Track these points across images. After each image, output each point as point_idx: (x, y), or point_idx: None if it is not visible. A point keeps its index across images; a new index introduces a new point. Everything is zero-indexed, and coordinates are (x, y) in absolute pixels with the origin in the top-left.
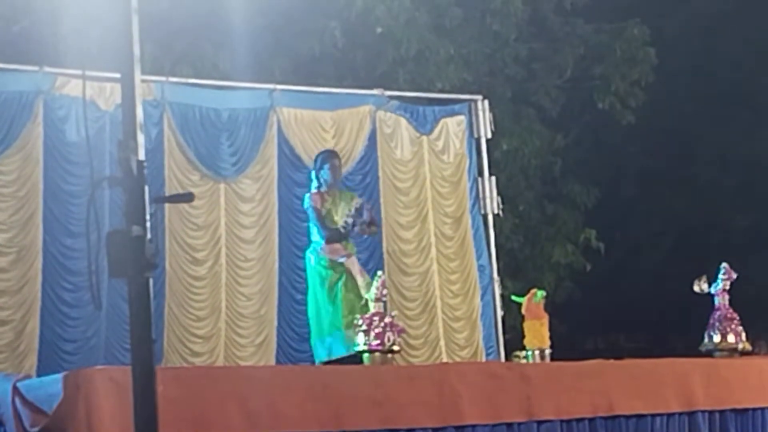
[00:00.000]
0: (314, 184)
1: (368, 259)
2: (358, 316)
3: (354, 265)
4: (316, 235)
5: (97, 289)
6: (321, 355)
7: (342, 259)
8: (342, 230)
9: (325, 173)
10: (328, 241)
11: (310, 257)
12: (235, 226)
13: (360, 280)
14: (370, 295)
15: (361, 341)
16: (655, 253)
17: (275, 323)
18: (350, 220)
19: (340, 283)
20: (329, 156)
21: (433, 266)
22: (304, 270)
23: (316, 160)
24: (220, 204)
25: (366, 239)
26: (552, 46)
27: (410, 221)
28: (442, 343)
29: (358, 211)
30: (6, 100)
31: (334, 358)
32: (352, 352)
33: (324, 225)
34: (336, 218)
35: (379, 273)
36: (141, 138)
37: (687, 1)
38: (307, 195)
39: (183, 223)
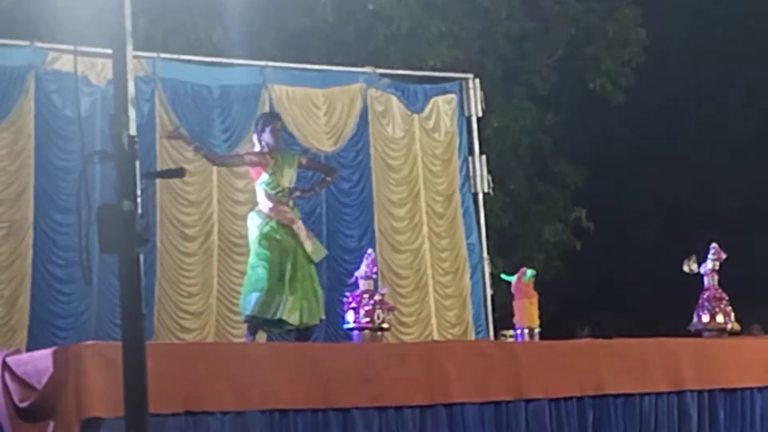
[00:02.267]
0: (256, 147)
1: (361, 236)
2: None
3: (301, 228)
4: (261, 197)
5: (88, 265)
6: (246, 309)
7: (287, 221)
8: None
9: (267, 136)
10: (273, 202)
11: (254, 218)
12: (228, 203)
13: (308, 245)
14: (360, 272)
15: (350, 319)
16: (645, 232)
17: None
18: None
19: (286, 247)
20: (270, 118)
21: (425, 244)
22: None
23: (257, 123)
24: (213, 180)
25: (359, 216)
26: (543, 25)
27: (402, 198)
28: (433, 321)
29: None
30: None
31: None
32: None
33: (269, 186)
34: (282, 181)
35: (369, 251)
36: (132, 113)
37: None
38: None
39: (174, 199)
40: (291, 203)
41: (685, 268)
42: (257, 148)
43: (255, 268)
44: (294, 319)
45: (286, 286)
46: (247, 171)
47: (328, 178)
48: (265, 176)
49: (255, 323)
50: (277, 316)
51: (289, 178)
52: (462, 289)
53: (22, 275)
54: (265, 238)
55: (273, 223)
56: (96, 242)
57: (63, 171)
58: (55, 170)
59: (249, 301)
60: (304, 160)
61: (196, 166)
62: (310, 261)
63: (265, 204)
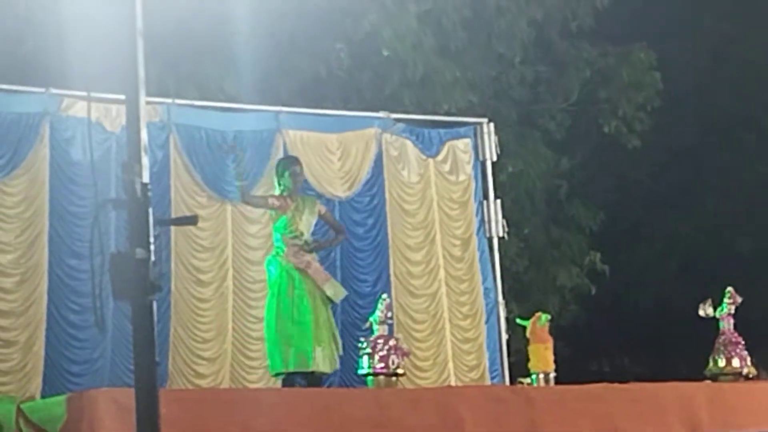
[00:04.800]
0: (276, 191)
1: (376, 281)
2: (324, 330)
3: (319, 273)
4: (278, 241)
5: (101, 312)
6: (278, 365)
7: (303, 265)
8: (306, 245)
9: (287, 180)
10: (289, 246)
11: (272, 262)
12: (242, 248)
13: (327, 288)
14: (374, 317)
15: (365, 364)
16: (661, 276)
17: None
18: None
19: (305, 293)
20: (290, 162)
21: (442, 288)
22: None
23: (277, 167)
24: (227, 225)
25: (374, 261)
26: (557, 69)
27: (418, 243)
28: (450, 365)
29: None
30: (12, 121)
31: (292, 371)
32: (318, 371)
33: (287, 230)
34: (300, 226)
35: (384, 296)
36: (145, 160)
37: (693, 25)
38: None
39: (189, 244)
40: (308, 246)
41: (701, 312)
42: (277, 192)
43: (276, 318)
44: (326, 368)
45: (311, 334)
46: (265, 213)
47: (340, 236)
48: (283, 220)
49: (291, 378)
50: (311, 369)
51: (307, 224)
52: (480, 333)
53: (37, 321)
54: (282, 283)
55: (289, 267)
56: (110, 289)
57: (77, 217)
58: (70, 216)
59: (279, 356)
60: (323, 210)
61: (210, 212)
62: (327, 304)
63: (281, 248)
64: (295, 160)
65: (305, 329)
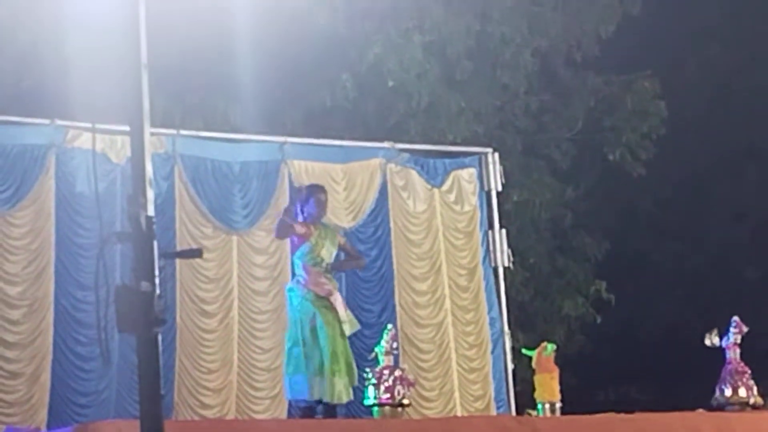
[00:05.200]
0: (299, 218)
1: (381, 311)
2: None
3: (338, 300)
4: (299, 269)
5: (106, 345)
6: (297, 393)
7: (325, 293)
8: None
9: (311, 207)
10: (311, 273)
11: (294, 290)
12: (248, 278)
13: (342, 314)
14: (380, 348)
15: (371, 395)
16: (667, 305)
17: None
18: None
19: (325, 323)
20: (316, 190)
21: (448, 318)
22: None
23: (300, 194)
24: (233, 256)
25: (379, 291)
26: (562, 99)
27: (423, 273)
28: (456, 395)
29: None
30: (18, 153)
31: (311, 400)
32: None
33: (308, 258)
34: (322, 253)
35: (389, 326)
36: (150, 193)
37: (697, 54)
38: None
39: (194, 275)
40: (329, 275)
41: (707, 342)
42: (300, 219)
43: (297, 346)
44: (342, 398)
45: (329, 364)
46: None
47: (361, 261)
48: (305, 247)
49: (310, 407)
50: (327, 399)
51: (329, 252)
52: (485, 363)
53: (43, 353)
54: (303, 311)
55: (311, 296)
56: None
57: (83, 248)
58: (76, 248)
59: (299, 385)
60: (342, 241)
61: (215, 243)
62: (346, 334)
63: (302, 276)
64: (320, 188)
65: (324, 359)
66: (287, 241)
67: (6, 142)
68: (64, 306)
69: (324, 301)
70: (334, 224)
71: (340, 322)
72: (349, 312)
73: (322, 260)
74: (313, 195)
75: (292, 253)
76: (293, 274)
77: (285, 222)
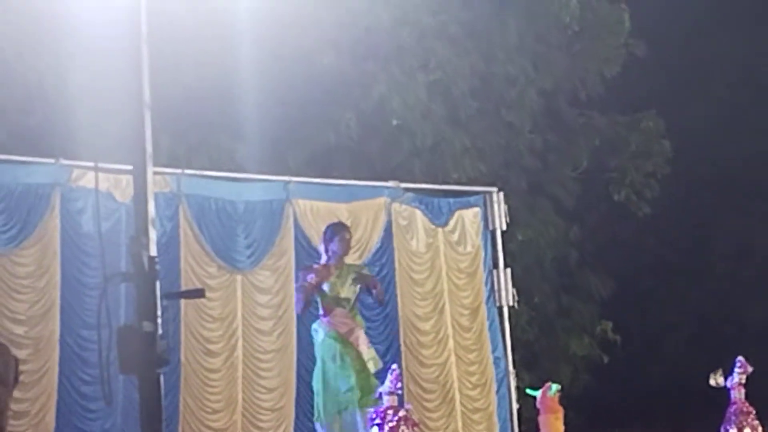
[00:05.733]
0: (323, 257)
1: (386, 351)
2: (369, 399)
3: (361, 338)
4: (320, 307)
5: (109, 385)
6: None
7: (347, 332)
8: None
9: (335, 245)
10: (329, 312)
11: (317, 329)
12: (252, 318)
13: (365, 352)
14: (384, 388)
15: None
16: (672, 345)
17: (293, 416)
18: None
19: (349, 361)
20: (340, 228)
21: (452, 357)
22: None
23: (325, 232)
24: (237, 296)
25: (384, 331)
26: (567, 138)
27: (427, 313)
28: None
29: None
30: (23, 192)
31: None
32: None
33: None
34: (342, 292)
35: (394, 366)
36: (153, 233)
37: (702, 93)
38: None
39: (199, 315)
40: (352, 312)
41: (712, 382)
42: (323, 258)
43: (323, 384)
44: None
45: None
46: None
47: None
48: (326, 286)
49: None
50: None
51: (350, 291)
52: (490, 403)
53: (48, 392)
54: (327, 350)
55: (333, 334)
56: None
57: (89, 287)
58: (81, 287)
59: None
60: (368, 279)
61: (219, 282)
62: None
63: (324, 314)
64: (344, 227)
65: (349, 397)
66: (291, 281)
67: (11, 181)
68: (69, 345)
69: (346, 340)
70: (358, 263)
71: (364, 360)
72: (372, 349)
73: (343, 299)
74: (337, 234)
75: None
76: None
77: (303, 289)
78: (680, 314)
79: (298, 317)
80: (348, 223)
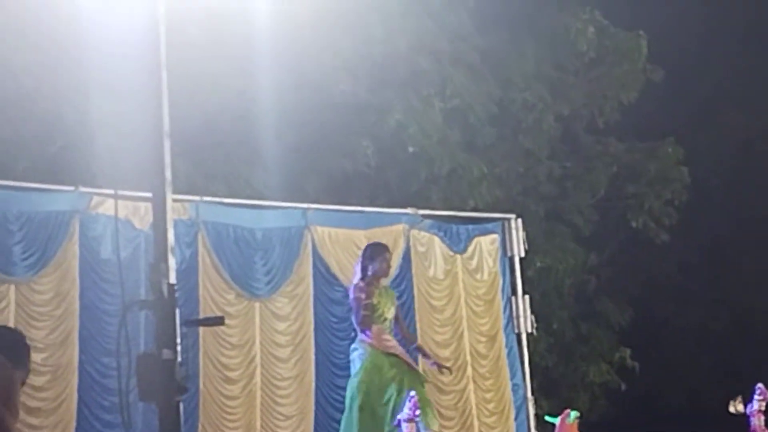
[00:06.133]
0: (357, 275)
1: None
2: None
3: (406, 355)
4: (362, 326)
5: (128, 412)
6: None
7: (391, 349)
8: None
9: (377, 265)
10: (375, 331)
11: (358, 348)
12: (270, 345)
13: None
14: (402, 415)
15: None
16: (691, 372)
17: None
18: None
19: (394, 377)
20: (382, 249)
21: (470, 385)
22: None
23: (366, 252)
24: (255, 323)
25: None
26: (585, 165)
27: (446, 339)
28: None
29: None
30: (43, 219)
31: None
32: None
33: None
34: (386, 312)
35: (412, 393)
36: (172, 261)
37: (720, 119)
38: (353, 286)
39: (217, 342)
40: (391, 334)
41: (731, 409)
42: (357, 276)
43: (363, 399)
44: None
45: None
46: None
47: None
48: (369, 305)
49: None
50: None
51: (390, 311)
52: (508, 430)
53: (67, 420)
54: (368, 370)
55: (377, 353)
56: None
57: (108, 314)
58: (101, 314)
59: None
60: (396, 306)
61: (238, 309)
62: (423, 382)
63: (367, 334)
64: (386, 248)
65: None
66: (310, 308)
67: (30, 208)
68: (89, 372)
69: (391, 358)
70: (344, 292)
71: (411, 372)
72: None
73: (386, 319)
74: (379, 254)
75: (356, 312)
76: (355, 335)
77: (359, 302)
78: (699, 341)
79: (317, 344)
80: None
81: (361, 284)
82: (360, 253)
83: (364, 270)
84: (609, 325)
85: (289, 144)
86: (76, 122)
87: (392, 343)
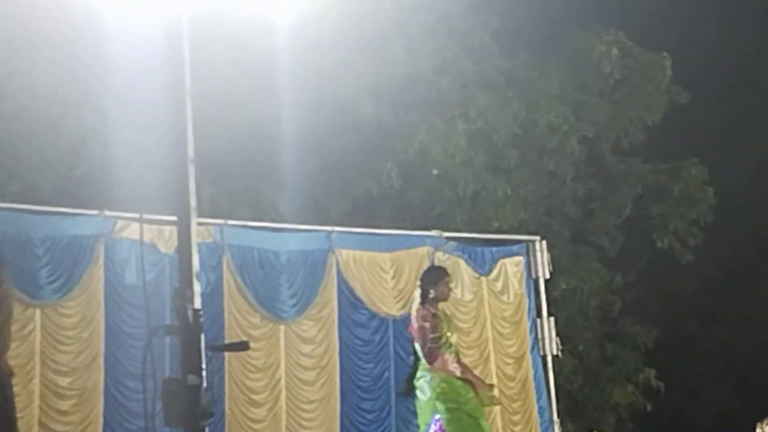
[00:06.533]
0: (417, 300)
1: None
2: None
3: (478, 377)
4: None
5: None
6: None
7: (461, 374)
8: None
9: (438, 289)
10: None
11: (426, 375)
12: (295, 368)
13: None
14: None
15: None
16: (717, 393)
17: None
18: None
19: (472, 400)
20: (444, 272)
21: (496, 407)
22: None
23: (426, 275)
24: (280, 345)
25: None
26: (609, 186)
27: (473, 362)
28: None
29: None
30: (68, 243)
31: None
32: None
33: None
34: (449, 338)
35: (437, 416)
36: (197, 286)
37: (744, 140)
38: (416, 314)
39: (243, 365)
40: (455, 355)
41: (758, 431)
42: (417, 301)
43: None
44: None
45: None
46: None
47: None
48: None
49: None
50: None
51: (454, 336)
52: None
53: None
54: (441, 396)
55: (449, 379)
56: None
57: (133, 338)
58: (125, 337)
59: None
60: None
61: (263, 332)
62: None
63: (433, 361)
64: (446, 272)
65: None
66: (335, 330)
67: (56, 233)
68: (114, 396)
69: (461, 382)
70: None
71: (478, 398)
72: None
73: (451, 344)
74: (441, 278)
75: (422, 343)
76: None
77: (424, 332)
78: (725, 362)
79: (342, 367)
80: (390, 272)
81: (425, 312)
82: (420, 276)
83: (424, 294)
84: (634, 345)
85: (312, 167)
86: (100, 147)
87: (461, 368)
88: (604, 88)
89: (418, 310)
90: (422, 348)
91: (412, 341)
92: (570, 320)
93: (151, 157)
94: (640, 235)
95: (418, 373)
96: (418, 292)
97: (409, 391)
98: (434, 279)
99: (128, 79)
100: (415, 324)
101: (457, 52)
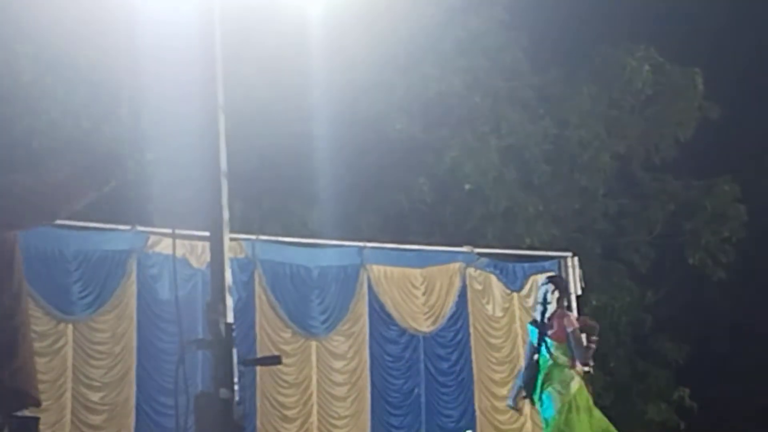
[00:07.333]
0: (555, 305)
1: (461, 416)
2: None
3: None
4: (570, 360)
5: None
6: None
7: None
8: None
9: (565, 296)
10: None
11: (572, 377)
12: (327, 384)
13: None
14: None
15: None
16: (751, 411)
17: None
18: None
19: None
20: (562, 279)
21: (528, 423)
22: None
23: (560, 282)
24: (312, 361)
25: (459, 396)
26: (641, 202)
27: (504, 378)
28: None
29: None
30: (100, 258)
31: None
32: None
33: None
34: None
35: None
36: (229, 300)
37: None
38: (566, 318)
39: (274, 380)
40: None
41: None
42: (554, 305)
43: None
44: None
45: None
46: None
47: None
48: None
49: None
50: None
51: None
52: None
53: None
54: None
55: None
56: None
57: (166, 353)
58: (158, 352)
59: None
60: None
61: (294, 348)
62: None
63: (575, 365)
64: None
65: None
66: (366, 347)
67: (88, 248)
68: (146, 411)
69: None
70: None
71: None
72: None
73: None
74: (562, 282)
75: (578, 346)
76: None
77: (577, 335)
78: (759, 380)
79: (372, 383)
80: (421, 288)
81: (572, 317)
82: (542, 282)
83: (560, 300)
84: (666, 363)
85: (344, 182)
86: (133, 162)
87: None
88: (636, 104)
89: (568, 317)
90: (578, 350)
91: (542, 340)
92: (601, 337)
93: (183, 172)
94: (671, 252)
95: (559, 375)
96: (555, 296)
97: (533, 391)
98: (565, 285)
99: (160, 93)
100: (569, 328)
101: (488, 69)
